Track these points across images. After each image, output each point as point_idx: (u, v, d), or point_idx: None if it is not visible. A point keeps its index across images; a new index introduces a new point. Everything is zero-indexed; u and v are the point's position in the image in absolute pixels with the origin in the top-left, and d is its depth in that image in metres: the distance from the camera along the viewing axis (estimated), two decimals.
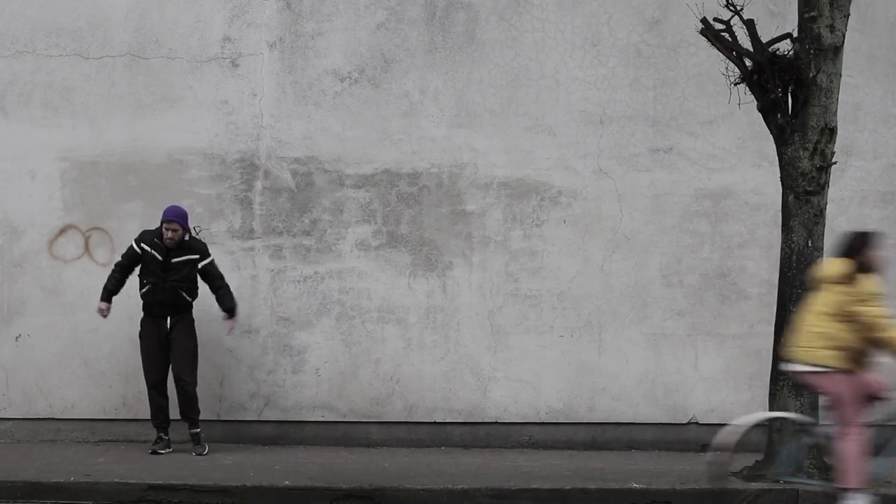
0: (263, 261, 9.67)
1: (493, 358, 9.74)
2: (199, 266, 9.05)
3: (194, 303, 9.17)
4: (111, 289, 9.10)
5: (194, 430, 9.15)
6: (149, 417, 9.33)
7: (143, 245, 9.02)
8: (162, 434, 9.12)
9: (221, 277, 9.15)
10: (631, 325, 9.78)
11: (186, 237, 9.03)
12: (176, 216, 8.97)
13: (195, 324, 9.16)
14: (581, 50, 9.82)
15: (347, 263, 9.71)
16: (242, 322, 9.59)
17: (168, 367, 9.10)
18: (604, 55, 9.83)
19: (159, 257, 8.96)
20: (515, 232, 9.78)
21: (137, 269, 9.11)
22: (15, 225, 9.65)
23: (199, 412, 9.15)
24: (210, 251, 9.17)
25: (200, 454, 9.02)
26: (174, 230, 8.93)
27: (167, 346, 9.06)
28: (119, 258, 9.18)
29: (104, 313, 9.09)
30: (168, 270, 8.96)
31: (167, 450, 9.05)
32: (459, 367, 9.73)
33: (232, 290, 9.35)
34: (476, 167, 9.79)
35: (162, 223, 8.98)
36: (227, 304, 9.10)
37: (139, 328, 9.15)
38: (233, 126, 9.73)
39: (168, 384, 9.12)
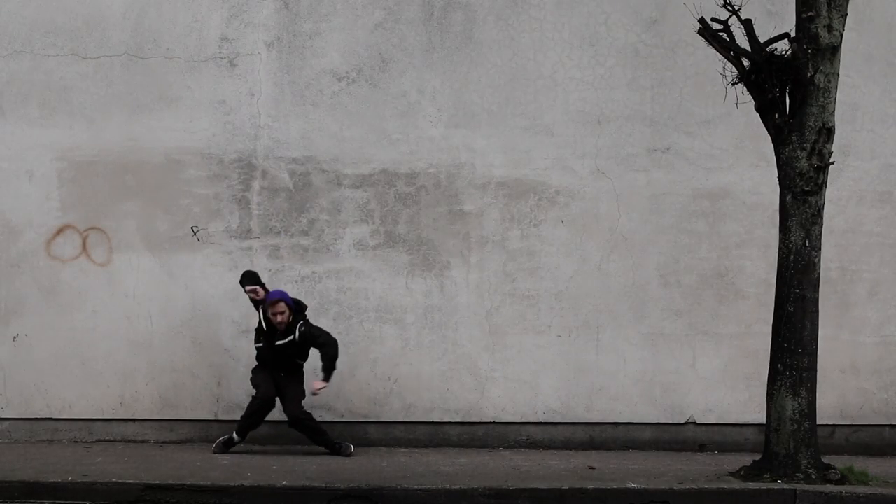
0: (261, 260, 9.66)
1: (490, 358, 9.74)
2: (298, 336, 9.04)
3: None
4: None
5: (335, 445, 9.19)
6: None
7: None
8: (241, 439, 9.12)
9: (322, 335, 9.11)
10: (629, 324, 9.78)
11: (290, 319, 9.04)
12: (283, 296, 9.06)
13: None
14: (579, 50, 9.83)
15: (345, 263, 9.70)
16: (240, 322, 9.60)
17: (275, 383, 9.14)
18: (602, 55, 9.83)
19: (265, 329, 9.08)
20: (513, 232, 9.78)
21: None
22: (12, 225, 9.65)
23: (324, 432, 9.15)
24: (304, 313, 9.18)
25: (349, 454, 9.09)
26: (281, 312, 8.95)
27: (278, 385, 9.12)
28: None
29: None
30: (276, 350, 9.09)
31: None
32: (457, 367, 9.73)
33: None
34: (474, 167, 9.79)
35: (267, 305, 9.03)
36: (325, 365, 9.03)
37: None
38: (230, 126, 9.73)
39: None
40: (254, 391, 9.10)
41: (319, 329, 9.15)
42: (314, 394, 9.06)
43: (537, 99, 9.80)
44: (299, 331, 9.03)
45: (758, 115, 8.45)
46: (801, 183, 8.21)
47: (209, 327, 9.61)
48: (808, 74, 8.14)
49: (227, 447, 9.09)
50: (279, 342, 9.03)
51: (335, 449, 9.14)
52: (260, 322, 9.12)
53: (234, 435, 9.12)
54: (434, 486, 7.84)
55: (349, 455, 9.06)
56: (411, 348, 9.73)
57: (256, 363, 9.25)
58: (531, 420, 9.76)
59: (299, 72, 9.77)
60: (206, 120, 9.71)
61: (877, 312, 9.87)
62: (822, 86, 8.19)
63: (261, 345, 9.15)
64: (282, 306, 8.95)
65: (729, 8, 8.34)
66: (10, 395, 9.62)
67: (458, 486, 7.84)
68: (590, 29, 9.84)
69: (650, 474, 8.41)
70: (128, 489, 7.76)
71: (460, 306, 9.75)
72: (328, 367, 9.00)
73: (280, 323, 8.95)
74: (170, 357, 9.63)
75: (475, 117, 9.79)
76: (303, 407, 9.08)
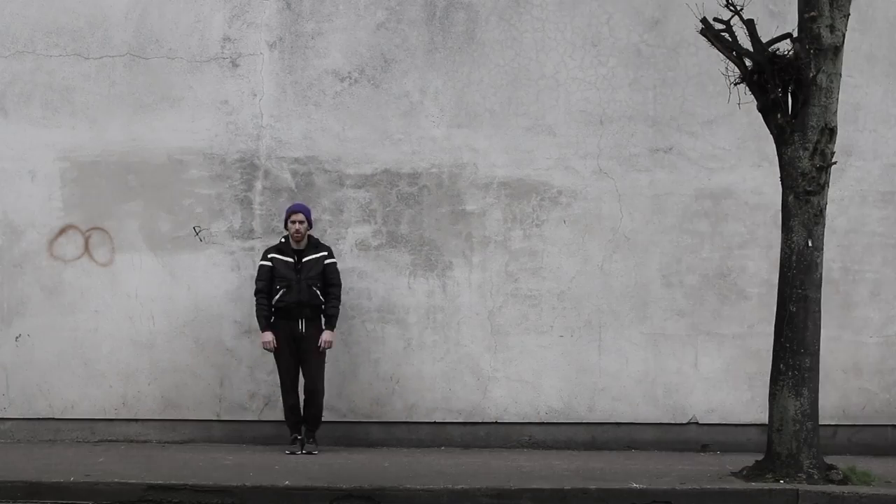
0: None
1: (492, 358, 9.74)
2: (326, 263, 9.19)
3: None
4: (266, 315, 9.15)
5: (312, 439, 9.28)
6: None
7: (270, 256, 9.16)
8: (297, 435, 9.20)
9: (337, 275, 9.29)
10: (631, 325, 9.78)
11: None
12: (302, 208, 9.24)
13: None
14: (581, 50, 9.83)
15: (347, 263, 9.69)
16: (242, 322, 9.60)
17: (299, 369, 9.19)
18: (604, 55, 9.83)
19: (290, 259, 9.10)
20: (515, 232, 9.78)
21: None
22: (15, 225, 9.65)
23: (319, 424, 9.31)
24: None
25: (312, 452, 9.12)
26: (301, 221, 9.11)
27: (298, 351, 9.14)
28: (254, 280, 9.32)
29: (271, 345, 9.11)
30: (300, 271, 9.09)
31: (301, 451, 9.12)
32: (459, 367, 9.73)
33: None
34: (476, 167, 9.79)
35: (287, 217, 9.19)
36: (330, 311, 9.16)
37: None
38: (233, 126, 9.73)
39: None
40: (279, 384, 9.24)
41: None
42: (326, 347, 9.11)
43: (539, 99, 9.80)
44: (328, 252, 9.22)
45: (760, 115, 8.44)
46: (804, 183, 8.21)
47: (211, 327, 9.61)
48: (811, 74, 8.13)
49: (297, 445, 9.18)
50: (309, 256, 9.08)
51: (309, 439, 9.18)
52: (279, 261, 9.06)
53: (293, 435, 9.19)
54: (437, 487, 7.85)
55: (312, 454, 9.06)
56: (413, 348, 9.73)
57: (275, 317, 9.14)
58: (533, 420, 9.76)
59: (301, 72, 9.77)
60: (208, 120, 9.72)
61: (879, 312, 9.87)
62: (824, 86, 8.18)
63: (279, 294, 9.03)
64: (301, 216, 9.12)
65: (731, 8, 8.33)
66: (12, 395, 9.63)
67: (460, 487, 7.84)
68: (592, 29, 9.84)
69: (652, 474, 8.41)
70: (130, 489, 7.77)
71: (462, 306, 9.75)
72: (335, 314, 9.15)
73: (298, 231, 9.05)
74: (172, 357, 9.63)
75: (477, 117, 9.79)
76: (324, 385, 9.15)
